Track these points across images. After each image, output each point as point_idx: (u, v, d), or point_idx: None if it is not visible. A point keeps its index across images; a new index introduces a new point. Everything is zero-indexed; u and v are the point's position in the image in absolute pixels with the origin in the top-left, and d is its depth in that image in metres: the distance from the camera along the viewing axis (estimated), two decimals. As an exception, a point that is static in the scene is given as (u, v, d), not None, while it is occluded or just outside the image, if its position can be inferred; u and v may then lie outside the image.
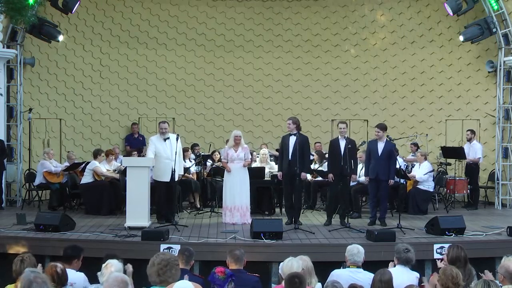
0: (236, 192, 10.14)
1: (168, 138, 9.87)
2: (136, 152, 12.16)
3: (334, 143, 10.07)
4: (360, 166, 11.25)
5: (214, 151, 12.67)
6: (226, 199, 10.23)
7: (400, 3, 14.65)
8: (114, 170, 11.57)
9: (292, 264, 5.30)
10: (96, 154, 11.36)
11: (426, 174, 11.44)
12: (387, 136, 10.68)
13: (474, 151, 12.37)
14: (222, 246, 8.15)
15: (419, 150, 12.92)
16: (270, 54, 15.30)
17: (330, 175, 10.02)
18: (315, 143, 13.92)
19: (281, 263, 5.39)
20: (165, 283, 4.36)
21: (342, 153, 9.78)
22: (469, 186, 12.32)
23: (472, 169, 12.42)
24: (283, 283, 5.15)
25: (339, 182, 9.87)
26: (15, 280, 4.89)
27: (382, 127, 10.12)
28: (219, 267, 4.92)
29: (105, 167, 11.36)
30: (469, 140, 12.50)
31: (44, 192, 12.29)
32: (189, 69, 15.08)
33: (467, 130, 12.73)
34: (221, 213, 10.47)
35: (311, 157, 11.85)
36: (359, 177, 11.16)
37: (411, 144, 13.16)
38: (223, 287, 4.73)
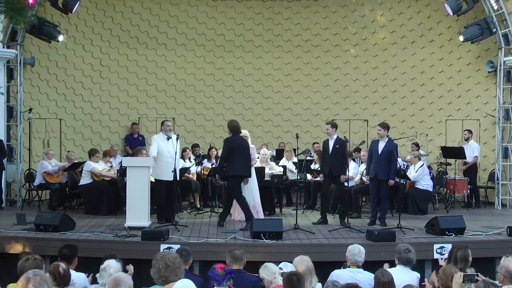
0: (243, 191, 10.22)
1: (171, 137, 9.92)
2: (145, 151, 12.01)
3: (325, 144, 10.24)
4: (363, 166, 11.30)
5: (210, 148, 12.70)
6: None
7: (400, 3, 14.65)
8: (110, 166, 11.53)
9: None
10: (90, 154, 11.39)
11: (417, 171, 11.43)
12: (387, 136, 10.69)
13: (471, 150, 12.44)
14: (222, 246, 8.15)
15: (419, 150, 12.96)
16: (270, 54, 15.30)
17: (321, 175, 10.25)
18: (314, 143, 13.91)
19: (262, 268, 5.39)
20: (171, 281, 4.39)
21: (330, 153, 9.94)
22: (469, 186, 12.36)
23: (471, 168, 12.49)
24: (271, 285, 5.17)
25: (330, 182, 10.06)
26: (17, 280, 4.89)
27: (384, 126, 10.15)
28: (220, 263, 4.93)
29: (101, 166, 11.33)
30: (467, 139, 12.62)
31: (44, 192, 12.29)
32: (189, 69, 15.08)
33: (465, 130, 12.85)
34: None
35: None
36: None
37: (412, 144, 13.17)
38: (222, 283, 4.74)
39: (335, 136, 10.05)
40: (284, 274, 4.96)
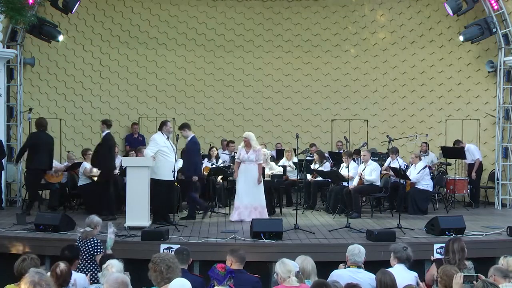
0: (244, 192, 10.30)
1: (169, 137, 9.96)
2: (133, 152, 12.07)
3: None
4: (362, 166, 11.30)
5: (210, 148, 12.71)
6: (235, 198, 10.51)
7: (400, 3, 14.65)
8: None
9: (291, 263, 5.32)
10: (83, 153, 11.48)
11: (419, 173, 11.42)
12: (387, 136, 10.69)
13: (471, 154, 12.41)
14: (222, 246, 8.17)
15: (428, 150, 12.99)
16: (270, 54, 15.30)
17: None
18: (311, 145, 13.71)
19: (280, 263, 5.34)
20: (165, 285, 4.38)
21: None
22: (469, 186, 12.37)
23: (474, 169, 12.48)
24: (283, 283, 5.16)
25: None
26: (16, 280, 4.89)
27: (181, 127, 10.51)
28: (220, 263, 4.94)
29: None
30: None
31: (44, 192, 12.28)
32: (189, 69, 15.08)
33: (454, 142, 12.68)
34: (221, 213, 10.83)
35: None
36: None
37: (423, 143, 13.20)
38: (222, 282, 4.74)
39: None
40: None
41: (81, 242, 6.80)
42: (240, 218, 10.22)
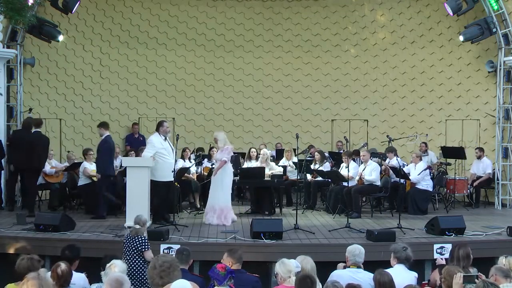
0: (211, 194, 10.19)
1: (167, 137, 9.96)
2: (133, 152, 12.08)
3: None
4: (362, 166, 11.30)
5: (211, 148, 12.71)
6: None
7: (400, 3, 14.65)
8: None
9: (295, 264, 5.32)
10: (84, 153, 11.47)
11: (420, 174, 11.41)
12: (387, 136, 10.69)
13: (484, 167, 12.47)
14: (222, 246, 8.16)
15: (427, 150, 12.98)
16: (270, 54, 15.30)
17: None
18: (310, 146, 13.71)
19: (279, 263, 5.34)
20: (167, 283, 4.38)
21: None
22: (469, 186, 12.38)
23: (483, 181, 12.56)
24: (283, 283, 5.16)
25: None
26: (16, 280, 4.90)
27: (99, 124, 10.88)
28: (220, 263, 4.95)
29: (94, 166, 11.34)
30: (479, 157, 12.61)
31: (44, 192, 12.28)
32: (189, 69, 15.08)
33: (476, 148, 12.72)
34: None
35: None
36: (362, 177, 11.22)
37: (421, 143, 13.19)
38: (223, 282, 4.75)
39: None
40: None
41: (128, 240, 7.10)
42: (208, 222, 9.97)
